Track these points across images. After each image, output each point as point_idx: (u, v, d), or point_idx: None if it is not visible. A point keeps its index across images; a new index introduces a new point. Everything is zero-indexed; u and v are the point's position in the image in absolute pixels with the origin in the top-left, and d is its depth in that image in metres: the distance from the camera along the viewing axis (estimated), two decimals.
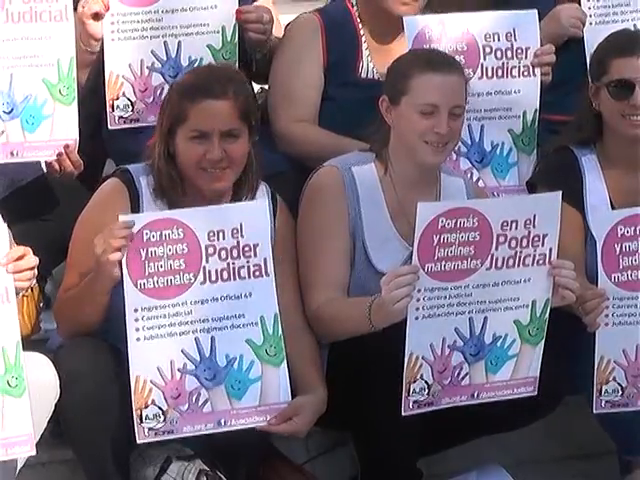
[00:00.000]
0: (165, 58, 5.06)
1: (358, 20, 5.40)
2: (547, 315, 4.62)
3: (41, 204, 5.01)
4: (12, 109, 4.82)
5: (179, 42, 5.12)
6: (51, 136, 4.87)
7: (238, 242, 4.46)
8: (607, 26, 5.41)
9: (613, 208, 4.94)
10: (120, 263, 4.36)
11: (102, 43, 5.11)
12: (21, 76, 4.84)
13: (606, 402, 4.77)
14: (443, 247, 4.47)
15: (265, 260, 4.50)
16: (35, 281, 4.49)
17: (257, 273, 4.50)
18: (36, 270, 4.37)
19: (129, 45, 5.12)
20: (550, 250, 4.57)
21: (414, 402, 4.51)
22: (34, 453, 4.31)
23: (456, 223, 4.48)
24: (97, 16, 4.97)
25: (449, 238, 4.48)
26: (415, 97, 4.74)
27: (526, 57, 5.30)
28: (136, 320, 4.37)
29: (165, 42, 5.06)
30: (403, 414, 4.50)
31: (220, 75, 4.78)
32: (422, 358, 4.53)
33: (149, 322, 4.39)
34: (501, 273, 4.58)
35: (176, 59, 5.07)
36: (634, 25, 5.45)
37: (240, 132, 4.62)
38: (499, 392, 4.66)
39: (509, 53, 5.32)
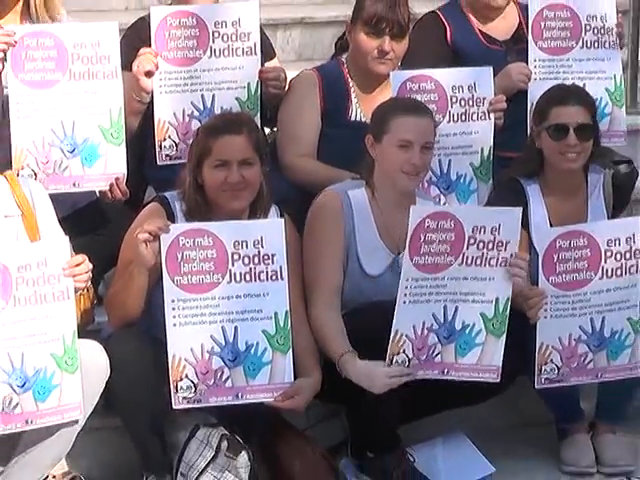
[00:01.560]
0: (202, 108, 5.09)
1: (348, 76, 5.37)
2: (508, 312, 4.65)
3: (96, 223, 5.01)
4: (74, 149, 4.81)
5: (213, 95, 5.14)
6: (105, 170, 4.88)
7: (259, 251, 4.52)
8: (547, 82, 5.38)
9: (551, 226, 4.95)
10: (159, 261, 4.42)
11: (152, 95, 5.09)
12: (81, 123, 4.84)
13: (545, 379, 4.78)
14: (427, 244, 4.56)
15: (281, 267, 4.54)
16: (90, 283, 4.50)
17: (274, 277, 4.54)
18: (90, 274, 4.41)
19: (174, 97, 5.14)
20: (511, 255, 4.61)
21: None
22: (82, 417, 4.35)
23: (437, 224, 4.56)
24: (149, 74, 5.00)
25: (432, 237, 4.56)
26: (394, 135, 4.75)
27: (483, 105, 5.26)
28: (173, 309, 4.44)
29: (202, 95, 5.09)
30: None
31: (236, 118, 4.87)
32: (405, 336, 4.58)
33: (183, 311, 4.46)
34: (470, 270, 4.63)
35: (211, 108, 5.09)
36: (568, 81, 5.40)
37: (254, 161, 4.65)
38: (466, 373, 4.68)
39: (470, 102, 5.27)
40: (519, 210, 4.68)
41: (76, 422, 4.39)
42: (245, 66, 5.12)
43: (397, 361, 4.59)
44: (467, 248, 4.62)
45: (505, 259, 4.64)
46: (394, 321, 4.56)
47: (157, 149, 5.13)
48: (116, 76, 4.98)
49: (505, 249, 4.63)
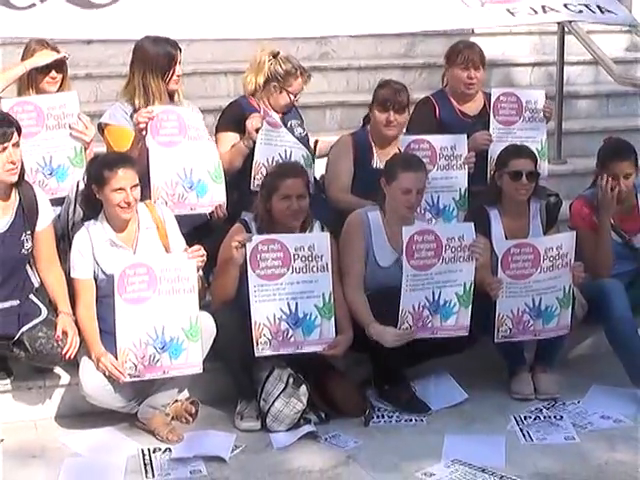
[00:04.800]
0: None
1: (371, 138, 5.29)
2: (472, 290, 4.65)
3: (205, 233, 4.91)
4: (191, 186, 4.76)
5: None
6: (211, 200, 4.83)
7: (312, 253, 4.52)
8: (503, 143, 5.28)
9: (506, 238, 4.88)
10: (245, 259, 4.42)
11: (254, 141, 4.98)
12: (196, 170, 4.74)
13: (501, 337, 4.78)
14: (417, 251, 4.58)
15: (327, 263, 4.53)
16: (202, 272, 4.52)
17: (321, 270, 4.54)
18: (205, 258, 4.40)
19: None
20: (470, 255, 4.62)
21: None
22: (201, 371, 4.44)
23: (423, 238, 4.60)
24: (257, 130, 4.96)
25: (420, 246, 4.59)
26: (399, 184, 4.71)
27: (460, 159, 5.23)
28: (255, 291, 4.44)
29: None
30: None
31: (294, 166, 4.84)
32: (408, 312, 4.59)
33: (262, 293, 4.46)
34: (447, 266, 4.63)
35: None
36: (518, 142, 5.29)
37: (305, 194, 4.62)
38: (447, 332, 4.68)
39: (452, 157, 5.23)
40: (471, 225, 4.70)
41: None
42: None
43: (403, 327, 4.60)
44: (445, 252, 4.63)
45: (468, 256, 4.64)
46: (401, 303, 4.57)
47: (253, 182, 5.02)
48: (211, 139, 4.98)
49: (468, 249, 4.65)
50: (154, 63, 4.87)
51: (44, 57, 4.85)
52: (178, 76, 4.95)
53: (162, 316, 4.36)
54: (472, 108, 5.60)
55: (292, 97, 5.21)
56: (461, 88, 5.53)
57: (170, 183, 4.69)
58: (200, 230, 4.95)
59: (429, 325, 4.67)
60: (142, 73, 4.90)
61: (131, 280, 4.30)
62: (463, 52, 5.47)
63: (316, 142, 5.52)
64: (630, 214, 5.20)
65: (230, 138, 5.11)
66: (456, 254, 4.65)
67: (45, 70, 4.87)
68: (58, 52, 4.93)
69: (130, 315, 4.31)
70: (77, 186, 4.71)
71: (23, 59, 4.91)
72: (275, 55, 5.15)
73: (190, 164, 4.71)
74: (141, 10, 4.90)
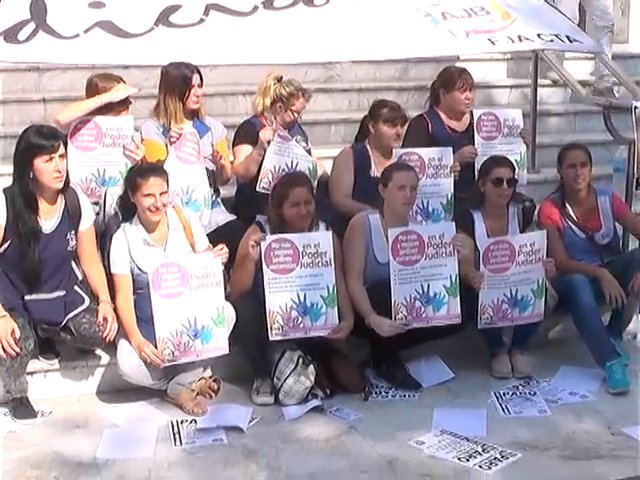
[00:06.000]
0: None
1: (370, 150, 5.27)
2: (458, 281, 4.63)
3: (222, 235, 4.82)
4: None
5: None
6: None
7: (317, 250, 4.51)
8: (486, 156, 5.23)
9: (488, 237, 4.86)
10: (260, 256, 4.42)
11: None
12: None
13: (483, 323, 4.77)
14: (402, 249, 4.57)
15: (330, 259, 4.51)
16: (224, 268, 4.49)
17: (326, 264, 4.52)
18: (228, 255, 4.41)
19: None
20: (452, 250, 4.62)
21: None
22: (228, 352, 4.45)
23: (406, 237, 4.59)
24: (269, 142, 4.93)
25: (405, 245, 4.59)
26: (395, 182, 4.70)
27: (447, 169, 5.20)
28: (268, 284, 4.45)
29: None
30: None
31: (300, 176, 4.82)
32: (401, 303, 4.57)
33: (275, 285, 4.46)
34: (432, 261, 4.62)
35: None
36: (499, 154, 5.23)
37: (311, 200, 4.60)
38: (441, 320, 4.66)
39: (439, 168, 5.19)
40: (452, 223, 4.70)
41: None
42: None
43: (398, 317, 4.57)
44: (427, 249, 4.62)
45: (450, 252, 4.62)
46: (392, 295, 4.55)
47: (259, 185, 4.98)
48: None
49: (449, 245, 4.63)
50: (173, 85, 4.86)
51: (121, 92, 4.85)
52: (197, 96, 4.89)
53: (193, 308, 4.35)
54: (460, 124, 5.56)
55: (296, 115, 5.18)
56: (461, 108, 5.50)
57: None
58: (221, 232, 4.95)
59: (423, 315, 4.63)
60: (165, 94, 4.90)
61: (164, 277, 4.30)
62: (462, 76, 5.46)
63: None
64: (591, 214, 5.17)
65: (245, 150, 5.11)
66: (438, 250, 4.62)
67: (121, 102, 4.88)
68: (124, 82, 4.96)
69: (166, 308, 4.31)
70: (105, 195, 4.73)
71: (88, 93, 4.88)
72: (279, 79, 5.16)
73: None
74: (170, 39, 4.85)
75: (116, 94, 4.83)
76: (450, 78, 5.51)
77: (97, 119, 4.78)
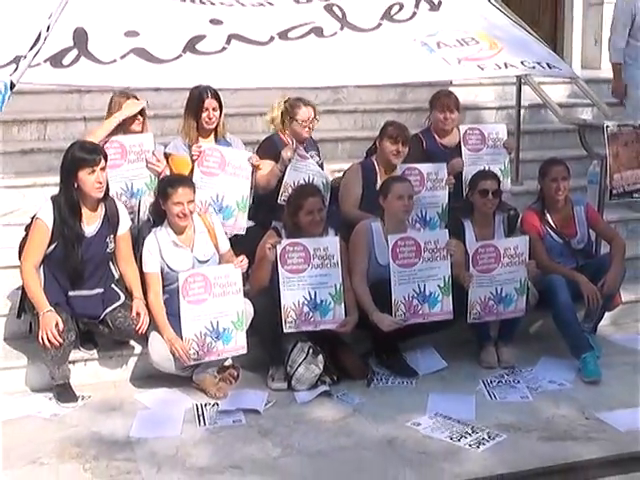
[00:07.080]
0: None
1: (376, 165, 5.18)
2: (451, 281, 4.61)
3: (243, 239, 4.84)
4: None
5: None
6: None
7: (326, 253, 4.50)
8: (474, 166, 5.25)
9: (477, 241, 4.82)
10: (275, 257, 4.40)
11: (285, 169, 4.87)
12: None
13: (473, 318, 4.74)
14: (401, 253, 4.56)
15: (337, 261, 4.51)
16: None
17: (334, 266, 4.50)
18: (247, 264, 4.42)
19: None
20: (446, 254, 4.60)
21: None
22: (246, 352, 4.43)
23: (404, 242, 4.57)
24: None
25: (403, 249, 4.57)
26: (395, 193, 4.69)
27: (442, 182, 5.16)
28: (283, 282, 4.44)
29: None
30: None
31: (312, 188, 4.73)
32: (400, 302, 4.55)
33: (288, 284, 4.45)
34: (428, 264, 4.60)
35: None
36: (485, 164, 5.28)
37: (322, 208, 4.58)
38: (435, 317, 4.63)
39: (435, 181, 5.15)
40: (445, 231, 4.69)
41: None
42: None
43: (397, 314, 4.55)
44: (424, 253, 4.60)
45: (444, 255, 4.61)
46: (392, 294, 4.53)
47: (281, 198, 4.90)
48: (248, 179, 4.84)
49: (443, 250, 4.62)
50: (190, 105, 4.83)
51: (131, 108, 4.81)
52: (209, 118, 4.80)
53: (216, 313, 4.34)
54: (450, 141, 5.50)
55: (303, 125, 5.03)
56: (439, 125, 5.47)
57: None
58: (241, 236, 4.92)
59: (420, 312, 4.61)
60: (186, 114, 4.87)
61: (192, 286, 4.29)
62: (441, 99, 5.42)
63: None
64: (568, 222, 5.12)
65: (266, 164, 5.02)
66: (433, 254, 4.60)
67: (132, 116, 4.85)
68: (137, 99, 4.90)
69: (192, 313, 4.30)
70: (139, 204, 4.74)
71: (110, 110, 4.85)
72: (286, 101, 5.11)
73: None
74: (196, 65, 4.85)
75: (125, 112, 4.78)
76: (433, 99, 5.49)
77: (120, 138, 4.75)
